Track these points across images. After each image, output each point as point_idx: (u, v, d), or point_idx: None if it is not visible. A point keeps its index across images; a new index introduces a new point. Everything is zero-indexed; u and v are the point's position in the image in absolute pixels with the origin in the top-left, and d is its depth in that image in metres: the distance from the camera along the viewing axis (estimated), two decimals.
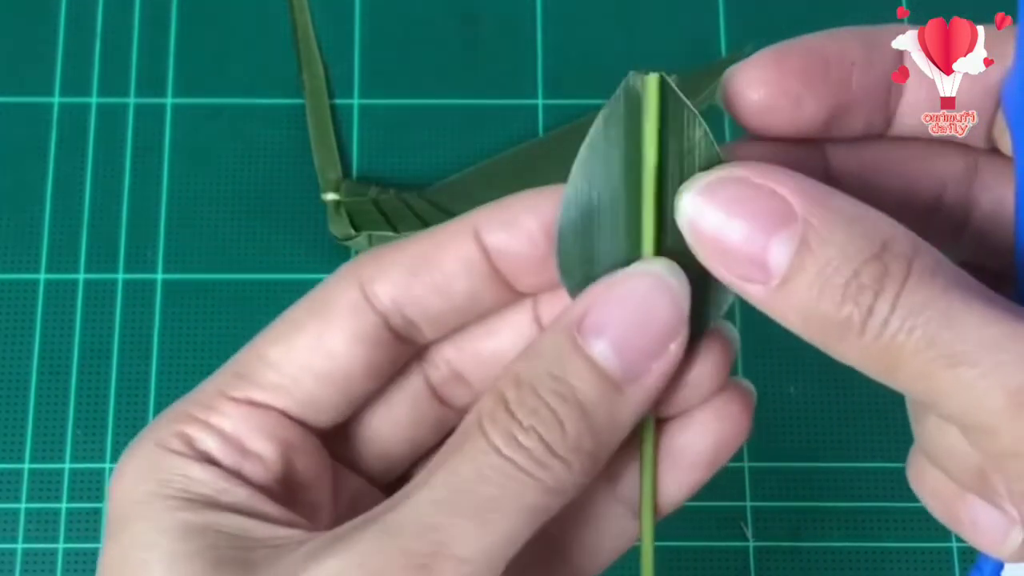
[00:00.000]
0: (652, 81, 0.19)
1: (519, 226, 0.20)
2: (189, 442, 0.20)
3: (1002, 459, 0.17)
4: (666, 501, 0.21)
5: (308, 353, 0.20)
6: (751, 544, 0.37)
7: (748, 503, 0.37)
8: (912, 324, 0.17)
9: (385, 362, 0.20)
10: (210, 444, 0.20)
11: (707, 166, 0.19)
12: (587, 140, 0.20)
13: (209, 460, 0.20)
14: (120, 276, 0.39)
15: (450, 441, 0.19)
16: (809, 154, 0.21)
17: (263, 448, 0.20)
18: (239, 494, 0.19)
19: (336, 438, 0.22)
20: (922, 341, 0.17)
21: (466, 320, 0.21)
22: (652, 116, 0.19)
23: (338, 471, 0.22)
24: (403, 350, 0.21)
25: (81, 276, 0.39)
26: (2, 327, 0.39)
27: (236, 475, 0.20)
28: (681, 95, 0.19)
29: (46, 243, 0.39)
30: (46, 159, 0.40)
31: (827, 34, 0.20)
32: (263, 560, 0.18)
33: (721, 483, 0.38)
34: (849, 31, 0.21)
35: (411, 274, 0.20)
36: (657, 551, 0.37)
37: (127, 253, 0.39)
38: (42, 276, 0.39)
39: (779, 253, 0.17)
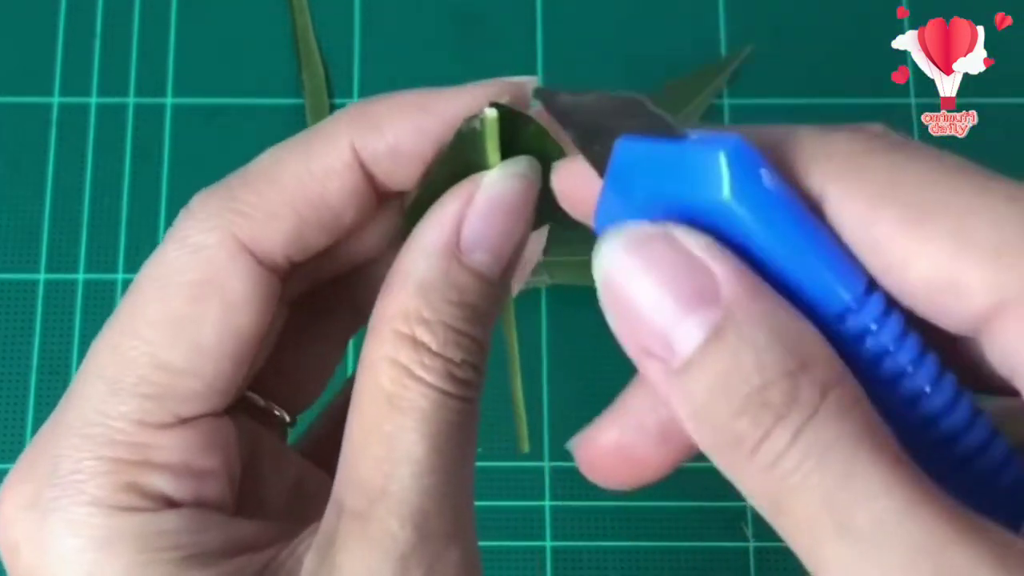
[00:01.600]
0: (491, 121, 0.18)
1: (400, 143, 0.19)
2: (144, 492, 0.18)
3: None
4: None
5: (219, 343, 0.18)
6: (751, 544, 0.37)
7: (748, 503, 0.37)
8: (809, 467, 0.14)
9: (276, 302, 0.19)
10: (163, 484, 0.18)
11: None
12: (439, 156, 0.19)
13: (170, 503, 0.18)
14: (120, 276, 0.39)
15: (364, 400, 0.18)
16: None
17: (211, 462, 0.19)
18: (215, 523, 0.18)
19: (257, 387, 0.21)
20: (816, 492, 0.14)
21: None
22: (494, 150, 0.18)
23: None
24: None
25: (81, 276, 0.39)
26: (2, 327, 0.39)
27: (202, 505, 0.18)
28: (523, 113, 0.18)
29: (46, 243, 0.39)
30: (46, 159, 0.40)
31: None
32: None
33: (721, 484, 0.38)
34: None
35: (301, 223, 0.19)
36: (657, 551, 0.38)
37: (127, 253, 0.39)
38: (42, 276, 0.39)
39: (689, 335, 0.15)
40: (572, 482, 0.37)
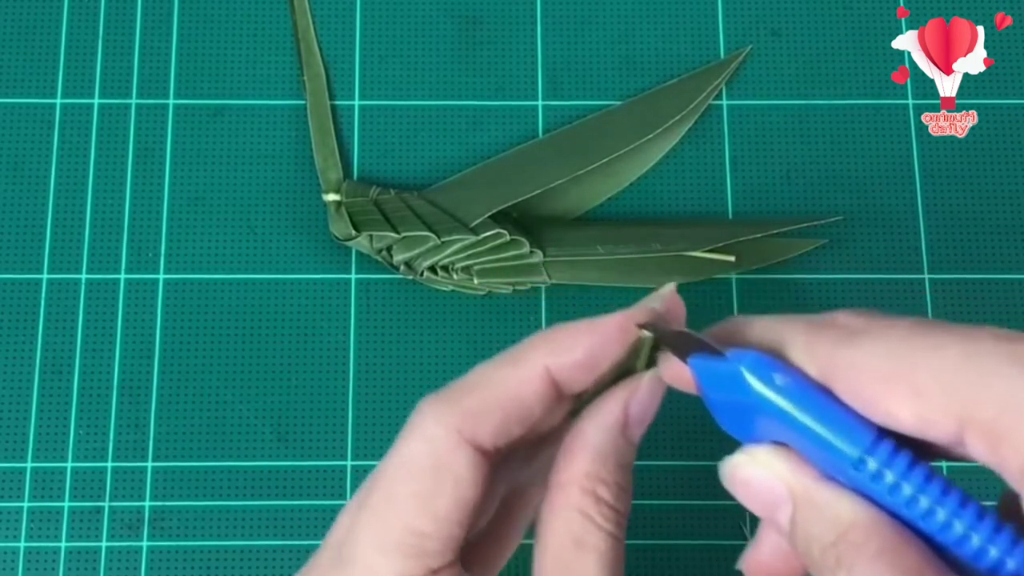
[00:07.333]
0: (648, 341, 0.25)
1: (582, 362, 0.25)
2: None
3: None
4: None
5: (452, 511, 0.24)
6: (750, 543, 0.37)
7: None
8: None
9: (488, 478, 0.25)
10: None
11: None
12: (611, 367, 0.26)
13: None
14: (122, 276, 0.39)
15: (555, 540, 0.24)
16: None
17: None
18: None
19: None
20: None
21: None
22: (644, 357, 0.26)
23: None
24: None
25: (83, 276, 0.39)
26: (5, 327, 0.39)
27: None
28: (655, 332, 0.25)
29: (48, 244, 0.40)
30: (48, 160, 0.40)
31: None
32: None
33: (719, 483, 0.38)
34: None
35: (506, 420, 0.25)
36: (656, 549, 0.38)
37: (129, 253, 0.40)
38: (45, 276, 0.39)
39: (782, 523, 0.23)
40: None
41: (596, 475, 0.24)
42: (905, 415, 0.21)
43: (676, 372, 0.25)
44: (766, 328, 0.23)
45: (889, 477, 0.21)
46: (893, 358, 0.21)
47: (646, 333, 0.25)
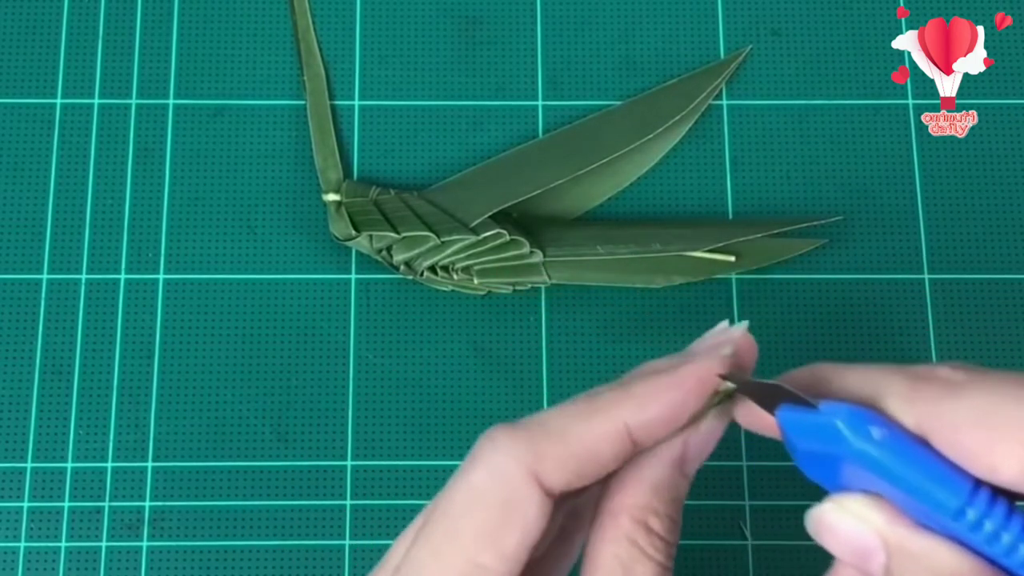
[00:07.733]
0: (725, 393, 0.26)
1: (664, 419, 0.25)
2: None
3: None
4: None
5: (517, 550, 0.24)
6: (749, 543, 0.37)
7: (747, 502, 0.37)
8: None
9: (551, 519, 0.25)
10: None
11: None
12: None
13: None
14: (122, 276, 0.39)
15: (603, 568, 0.24)
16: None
17: None
18: None
19: None
20: None
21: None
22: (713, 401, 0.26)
23: None
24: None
25: (83, 276, 0.39)
26: (5, 327, 0.39)
27: None
28: (733, 382, 0.25)
29: (48, 244, 0.40)
30: (48, 160, 0.40)
31: None
32: None
33: (720, 482, 0.39)
34: None
35: (579, 470, 0.24)
36: None
37: (129, 253, 0.40)
38: (44, 276, 0.39)
39: (874, 572, 0.23)
40: None
41: (649, 506, 0.25)
42: (1010, 466, 0.21)
43: (756, 420, 0.25)
44: (860, 378, 0.23)
45: (988, 526, 0.21)
46: (999, 410, 0.21)
47: (729, 385, 0.25)
